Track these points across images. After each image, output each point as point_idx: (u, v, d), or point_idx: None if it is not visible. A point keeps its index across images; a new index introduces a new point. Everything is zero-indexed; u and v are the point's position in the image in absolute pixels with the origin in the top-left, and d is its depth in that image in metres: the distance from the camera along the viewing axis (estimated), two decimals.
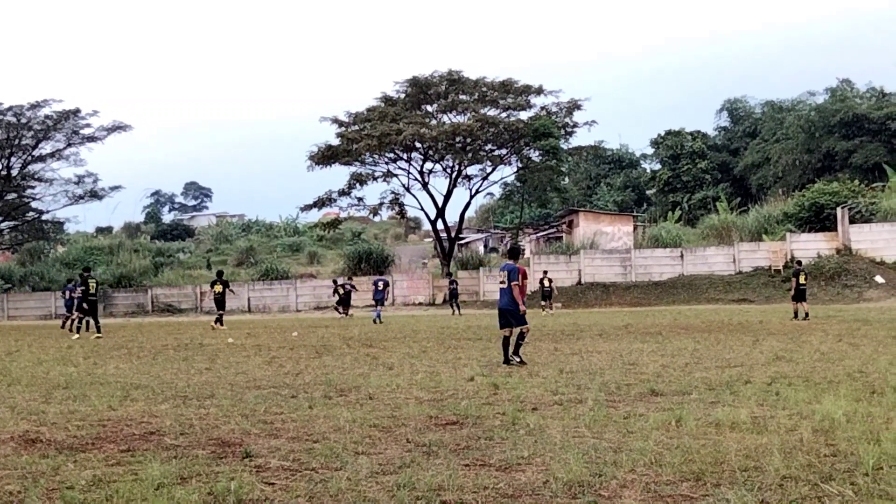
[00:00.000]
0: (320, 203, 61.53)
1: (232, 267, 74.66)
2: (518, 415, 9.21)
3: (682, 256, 54.49)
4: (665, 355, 16.25)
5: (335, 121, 59.85)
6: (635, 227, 67.38)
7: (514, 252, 17.42)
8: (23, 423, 9.40)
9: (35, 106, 58.26)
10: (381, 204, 61.89)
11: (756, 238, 55.86)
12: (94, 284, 28.61)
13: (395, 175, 60.81)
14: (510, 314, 15.84)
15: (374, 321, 34.84)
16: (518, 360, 15.42)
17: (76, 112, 59.38)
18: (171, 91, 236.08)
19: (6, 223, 66.57)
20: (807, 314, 28.48)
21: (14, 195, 64.45)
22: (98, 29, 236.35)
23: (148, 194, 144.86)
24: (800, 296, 29.02)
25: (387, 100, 60.62)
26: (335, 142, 58.93)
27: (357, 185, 60.03)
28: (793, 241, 52.60)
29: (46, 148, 61.47)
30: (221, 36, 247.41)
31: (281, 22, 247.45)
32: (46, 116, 58.88)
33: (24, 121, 58.53)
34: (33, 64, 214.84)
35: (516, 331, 15.87)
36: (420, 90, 59.31)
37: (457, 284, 46.98)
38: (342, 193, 60.49)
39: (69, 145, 61.67)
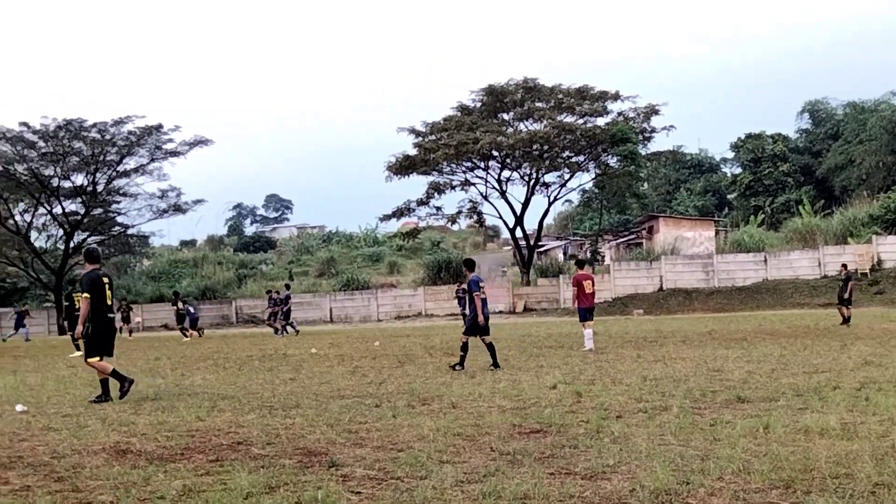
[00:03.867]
0: (399, 213, 61.85)
1: (313, 278, 75.38)
2: (602, 423, 9.16)
3: (765, 261, 53.70)
4: (751, 361, 16.03)
5: (412, 131, 60.14)
6: (717, 232, 66.58)
7: (470, 264, 18.35)
8: (113, 434, 9.58)
9: (118, 122, 59.34)
10: (460, 213, 62.03)
11: (841, 241, 54.84)
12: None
13: (473, 184, 60.94)
14: (473, 325, 17.26)
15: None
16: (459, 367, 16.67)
17: (159, 127, 60.37)
18: (251, 104, 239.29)
19: (93, 238, 67.76)
20: (848, 318, 28.10)
21: (100, 210, 65.67)
22: (179, 46, 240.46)
23: (230, 207, 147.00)
24: (848, 300, 28.66)
25: (463, 109, 60.73)
26: (413, 152, 59.20)
27: (435, 194, 60.27)
28: (879, 243, 51.57)
29: (130, 163, 62.56)
30: (300, 48, 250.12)
31: (359, 33, 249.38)
32: (130, 132, 59.92)
33: (108, 137, 59.61)
34: (116, 82, 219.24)
35: (487, 339, 17.19)
36: (496, 98, 59.30)
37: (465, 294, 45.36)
38: (420, 203, 60.76)
39: (152, 160, 62.69)
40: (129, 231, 69.33)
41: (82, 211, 63.71)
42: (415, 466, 7.26)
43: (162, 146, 61.79)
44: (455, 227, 77.31)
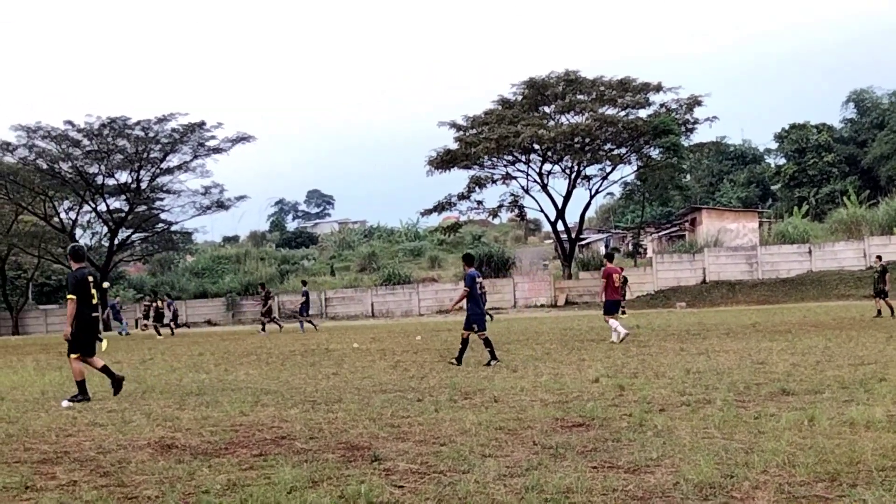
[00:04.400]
0: (440, 207, 61.88)
1: (355, 273, 75.62)
2: (645, 416, 9.11)
3: (810, 252, 53.19)
4: (795, 353, 15.88)
5: (453, 125, 60.14)
6: (760, 224, 66.08)
7: (469, 258, 18.42)
8: (158, 429, 9.66)
9: (162, 120, 59.79)
10: (501, 206, 62.00)
11: (887, 232, 54.20)
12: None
13: (514, 177, 60.88)
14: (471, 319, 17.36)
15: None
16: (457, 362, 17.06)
17: (201, 125, 60.75)
18: (292, 100, 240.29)
19: (137, 235, 68.42)
20: (892, 309, 27.84)
21: (144, 207, 66.25)
22: (219, 42, 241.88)
23: (272, 203, 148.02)
24: (885, 292, 28.46)
25: (504, 102, 60.63)
26: (454, 146, 59.18)
27: (476, 188, 60.23)
28: None
29: (174, 160, 63.02)
30: (340, 43, 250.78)
31: (399, 27, 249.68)
32: (173, 130, 60.36)
33: (151, 135, 60.09)
34: (158, 79, 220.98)
35: (483, 335, 17.37)
36: (537, 91, 59.14)
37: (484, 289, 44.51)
38: (462, 197, 60.76)
39: (195, 157, 63.11)
40: (173, 228, 69.93)
41: (126, 208, 64.30)
42: (457, 460, 7.26)
43: (205, 143, 62.21)
44: (496, 221, 77.24)
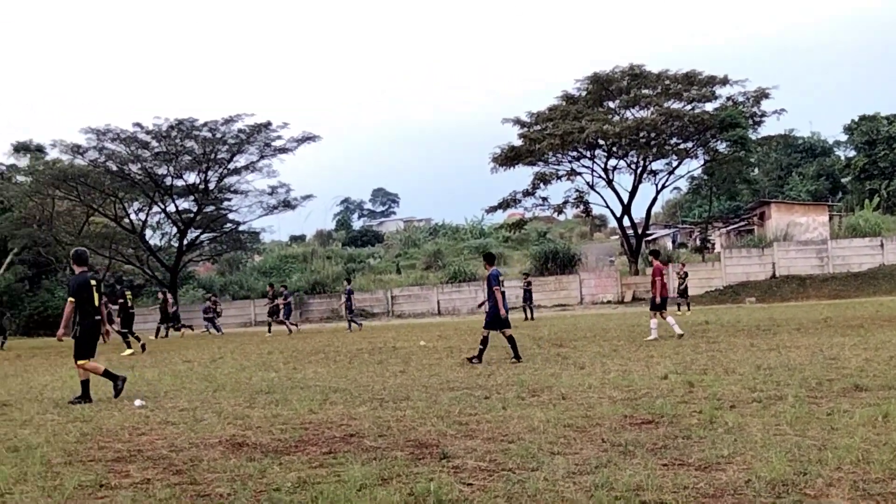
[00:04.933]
0: (505, 204, 61.74)
1: (420, 270, 75.79)
2: (715, 413, 9.02)
3: (882, 246, 52.21)
4: (868, 349, 15.63)
5: (517, 122, 59.95)
6: (831, 217, 65.05)
7: (490, 257, 18.78)
8: (229, 427, 9.77)
9: (228, 121, 60.29)
10: (566, 203, 61.70)
11: None
12: (130, 297, 30.12)
13: (579, 173, 60.51)
14: (494, 319, 17.54)
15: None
16: (476, 360, 17.27)
17: (267, 125, 61.14)
18: (356, 99, 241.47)
19: (206, 235, 69.12)
20: None
21: (212, 208, 66.88)
22: (285, 42, 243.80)
23: (338, 202, 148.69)
24: None
25: (568, 98, 60.31)
26: (518, 142, 59.01)
27: (541, 184, 60.01)
28: None
29: (241, 161, 63.47)
30: (405, 40, 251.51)
31: (463, 25, 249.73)
32: (240, 130, 60.82)
33: (218, 136, 60.61)
34: (225, 81, 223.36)
35: (507, 333, 17.55)
36: (601, 87, 58.75)
37: (531, 286, 43.88)
38: (526, 194, 60.58)
39: (262, 157, 63.50)
40: (241, 228, 70.49)
41: (195, 209, 64.98)
42: (526, 458, 7.26)
43: (271, 143, 62.56)
44: (561, 218, 77.02)
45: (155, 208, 66.76)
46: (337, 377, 15.44)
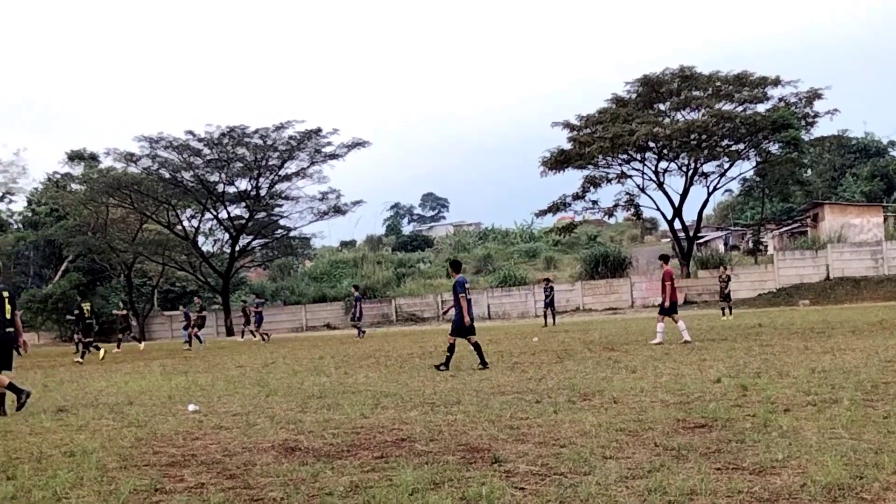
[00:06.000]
0: (555, 208, 61.54)
1: (470, 275, 75.77)
2: (770, 416, 8.93)
3: None
4: None
5: (567, 125, 59.75)
6: (885, 218, 64.16)
7: (456, 265, 19.23)
8: (282, 431, 9.82)
9: (279, 128, 60.67)
10: (616, 206, 61.44)
11: None
12: (88, 308, 30.67)
13: (630, 176, 60.18)
14: (459, 326, 17.89)
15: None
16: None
17: (318, 131, 61.43)
18: (405, 105, 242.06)
19: (257, 241, 69.64)
20: None
21: (263, 214, 67.34)
22: (334, 49, 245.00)
23: (387, 207, 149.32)
24: None
25: (618, 100, 60.00)
26: (567, 146, 58.84)
27: (591, 187, 59.77)
28: None
29: (291, 167, 63.82)
30: (454, 46, 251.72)
31: (510, 29, 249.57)
32: (290, 137, 61.17)
33: (269, 142, 61.01)
34: (275, 88, 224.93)
35: (472, 339, 17.91)
36: (651, 89, 58.40)
37: (553, 291, 42.98)
38: (576, 197, 60.36)
39: (312, 163, 63.82)
40: (292, 233, 70.90)
41: (247, 215, 65.46)
42: (578, 462, 7.23)
43: (321, 149, 62.85)
44: (612, 221, 76.51)
45: (207, 215, 67.38)
46: (388, 381, 15.48)
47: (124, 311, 39.67)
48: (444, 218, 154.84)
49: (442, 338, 31.45)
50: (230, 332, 60.72)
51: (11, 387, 12.97)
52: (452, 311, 18.33)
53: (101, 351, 29.20)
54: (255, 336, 40.70)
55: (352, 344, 31.33)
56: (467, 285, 18.35)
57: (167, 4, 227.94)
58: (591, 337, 26.45)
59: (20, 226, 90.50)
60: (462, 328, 17.84)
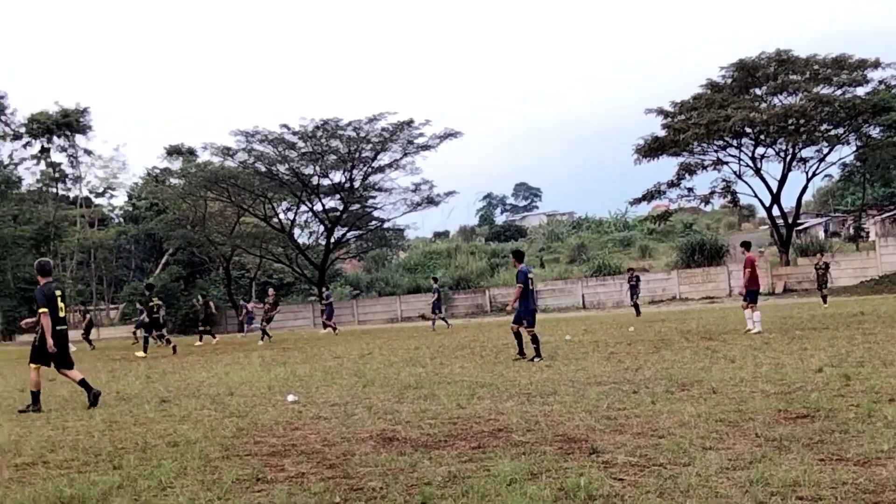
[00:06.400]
0: (649, 196, 60.97)
1: (564, 264, 75.59)
2: (874, 406, 8.75)
3: None
4: None
5: (661, 112, 59.13)
6: None
7: (519, 255, 19.43)
8: (379, 422, 9.91)
9: (372, 120, 61.02)
10: (712, 193, 60.65)
11: None
12: (158, 303, 30.92)
13: (726, 162, 59.32)
14: (530, 313, 18.27)
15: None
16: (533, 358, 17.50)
17: (410, 123, 61.63)
18: (497, 94, 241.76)
19: (352, 233, 70.18)
20: None
21: (357, 206, 67.82)
22: (425, 40, 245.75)
23: (480, 198, 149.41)
24: None
25: (713, 86, 59.14)
26: (661, 133, 58.23)
27: (686, 175, 59.10)
28: None
29: (384, 159, 64.17)
30: (545, 34, 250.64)
31: (602, 14, 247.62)
32: (383, 129, 61.48)
33: (362, 135, 61.40)
34: (367, 80, 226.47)
35: (516, 329, 18.32)
36: (747, 73, 57.42)
37: (638, 280, 42.09)
38: (671, 185, 59.72)
39: (405, 155, 64.06)
40: (386, 225, 71.33)
41: (341, 207, 66.01)
42: (677, 453, 7.17)
43: (414, 141, 63.04)
44: (708, 208, 75.55)
45: (302, 207, 68.17)
46: (483, 372, 15.51)
47: (202, 304, 40.18)
48: (536, 207, 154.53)
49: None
50: (324, 324, 61.32)
51: (83, 383, 13.34)
52: (521, 302, 18.31)
53: (172, 346, 29.61)
54: (331, 329, 40.77)
55: (447, 335, 31.41)
56: (530, 275, 18.45)
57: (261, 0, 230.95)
58: (688, 326, 26.15)
59: (121, 220, 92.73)
60: (529, 316, 18.13)
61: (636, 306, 40.19)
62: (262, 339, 35.53)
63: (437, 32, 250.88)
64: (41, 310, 12.97)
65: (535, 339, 17.84)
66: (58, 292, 13.25)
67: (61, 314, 13.24)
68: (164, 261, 77.92)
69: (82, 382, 13.30)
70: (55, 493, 6.92)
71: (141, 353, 28.83)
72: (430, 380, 14.46)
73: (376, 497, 6.34)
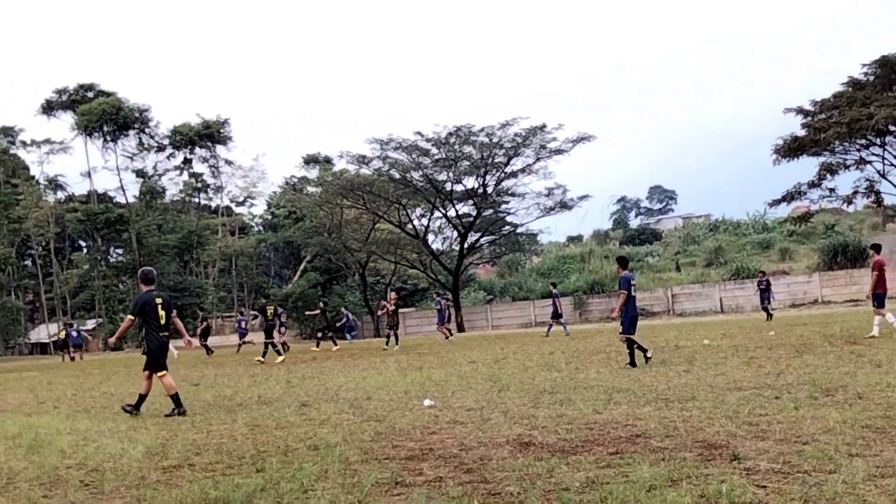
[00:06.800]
0: (789, 197, 59.58)
1: (701, 268, 74.35)
2: None
3: None
4: None
5: (800, 111, 57.76)
6: None
7: (623, 261, 18.70)
8: (516, 426, 9.91)
9: (504, 125, 61.23)
10: (855, 193, 58.88)
11: None
12: (272, 311, 31.07)
13: (869, 162, 57.54)
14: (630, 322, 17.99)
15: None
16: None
17: (542, 127, 61.63)
18: (630, 96, 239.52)
19: (485, 238, 70.53)
20: None
21: (491, 211, 68.14)
22: (556, 45, 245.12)
23: (614, 201, 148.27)
24: None
25: (854, 84, 57.43)
26: (801, 132, 56.88)
27: (827, 175, 57.51)
28: None
29: (517, 164, 64.35)
30: (674, 38, 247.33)
31: (735, 14, 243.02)
32: (515, 134, 61.63)
33: (495, 140, 61.67)
34: (497, 87, 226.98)
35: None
36: (890, 70, 55.56)
37: (769, 284, 40.14)
38: (812, 185, 58.22)
39: (538, 160, 64.11)
40: (519, 230, 71.42)
41: (474, 213, 66.39)
42: (822, 460, 6.99)
43: (546, 145, 63.02)
44: (850, 209, 73.45)
45: (436, 213, 68.81)
46: (619, 377, 15.37)
47: (317, 311, 40.85)
48: (672, 210, 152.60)
49: (672, 333, 31.02)
50: (461, 329, 61.69)
51: (175, 398, 13.78)
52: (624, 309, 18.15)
53: (280, 357, 29.99)
54: (447, 334, 40.70)
55: (581, 339, 31.22)
56: (633, 282, 18.21)
57: (390, 8, 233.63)
58: (831, 330, 25.47)
59: (261, 228, 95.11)
60: (628, 322, 17.91)
61: (767, 311, 39.11)
62: (386, 343, 35.44)
63: (568, 35, 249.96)
64: (129, 316, 13.86)
65: (629, 345, 17.74)
66: (158, 300, 13.82)
67: (161, 321, 13.79)
68: (301, 267, 79.57)
69: (174, 397, 13.80)
70: (201, 494, 7.11)
71: (280, 358, 29.39)
72: (566, 385, 14.40)
73: (514, 502, 6.35)
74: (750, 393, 11.59)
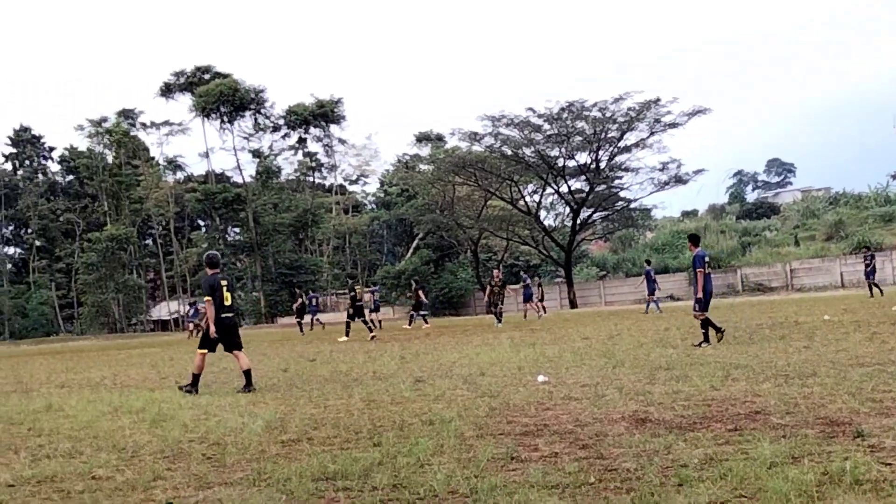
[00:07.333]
0: None
1: (821, 242, 72.62)
2: None
3: None
4: None
5: None
6: None
7: (695, 239, 18.49)
8: (631, 403, 9.82)
9: (617, 100, 60.58)
10: None
11: None
12: (360, 291, 31.20)
13: None
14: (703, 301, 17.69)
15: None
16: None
17: (656, 101, 60.78)
18: (748, 69, 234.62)
19: (598, 214, 69.96)
20: None
21: (603, 186, 67.54)
22: (671, 21, 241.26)
23: (730, 175, 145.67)
24: None
25: None
26: None
27: None
28: None
29: (630, 138, 63.62)
30: (797, 11, 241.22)
31: None
32: (629, 108, 60.93)
33: (608, 115, 61.08)
34: (607, 61, 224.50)
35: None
36: None
37: (874, 259, 39.33)
38: None
39: (652, 134, 63.26)
40: (632, 205, 70.70)
41: (587, 188, 65.94)
42: None
43: (660, 119, 62.14)
44: None
45: (548, 190, 68.54)
46: (737, 353, 15.11)
47: (415, 290, 40.98)
48: (790, 184, 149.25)
49: (792, 308, 30.42)
50: (573, 305, 61.44)
51: (247, 374, 14.08)
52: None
53: (372, 335, 30.08)
54: (537, 311, 40.56)
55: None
56: (706, 259, 17.94)
57: None
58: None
59: (374, 206, 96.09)
60: (702, 300, 17.61)
61: (872, 286, 38.02)
62: (498, 321, 35.40)
63: (685, 12, 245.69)
64: (206, 298, 14.12)
65: (704, 325, 17.53)
66: (223, 282, 14.24)
67: (227, 303, 14.23)
68: (414, 245, 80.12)
69: (246, 372, 14.09)
70: (319, 468, 7.21)
71: (344, 339, 29.85)
72: (682, 361, 14.22)
73: (631, 478, 6.28)
74: (873, 369, 11.29)
